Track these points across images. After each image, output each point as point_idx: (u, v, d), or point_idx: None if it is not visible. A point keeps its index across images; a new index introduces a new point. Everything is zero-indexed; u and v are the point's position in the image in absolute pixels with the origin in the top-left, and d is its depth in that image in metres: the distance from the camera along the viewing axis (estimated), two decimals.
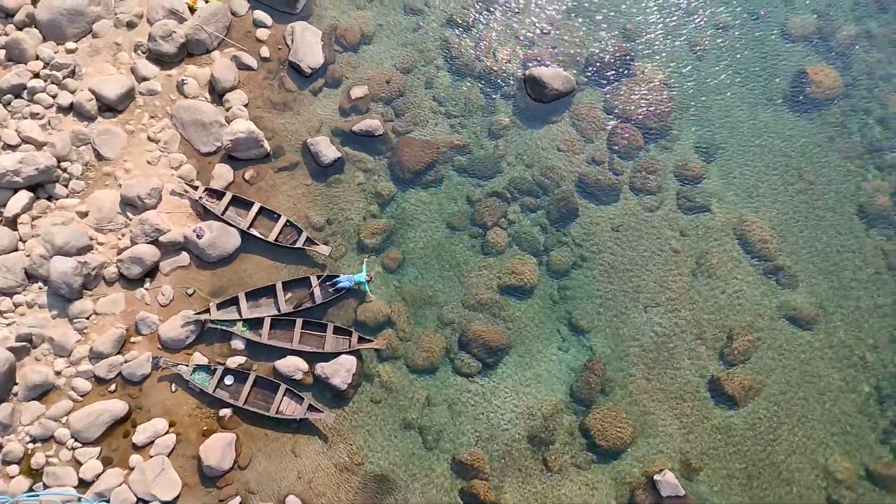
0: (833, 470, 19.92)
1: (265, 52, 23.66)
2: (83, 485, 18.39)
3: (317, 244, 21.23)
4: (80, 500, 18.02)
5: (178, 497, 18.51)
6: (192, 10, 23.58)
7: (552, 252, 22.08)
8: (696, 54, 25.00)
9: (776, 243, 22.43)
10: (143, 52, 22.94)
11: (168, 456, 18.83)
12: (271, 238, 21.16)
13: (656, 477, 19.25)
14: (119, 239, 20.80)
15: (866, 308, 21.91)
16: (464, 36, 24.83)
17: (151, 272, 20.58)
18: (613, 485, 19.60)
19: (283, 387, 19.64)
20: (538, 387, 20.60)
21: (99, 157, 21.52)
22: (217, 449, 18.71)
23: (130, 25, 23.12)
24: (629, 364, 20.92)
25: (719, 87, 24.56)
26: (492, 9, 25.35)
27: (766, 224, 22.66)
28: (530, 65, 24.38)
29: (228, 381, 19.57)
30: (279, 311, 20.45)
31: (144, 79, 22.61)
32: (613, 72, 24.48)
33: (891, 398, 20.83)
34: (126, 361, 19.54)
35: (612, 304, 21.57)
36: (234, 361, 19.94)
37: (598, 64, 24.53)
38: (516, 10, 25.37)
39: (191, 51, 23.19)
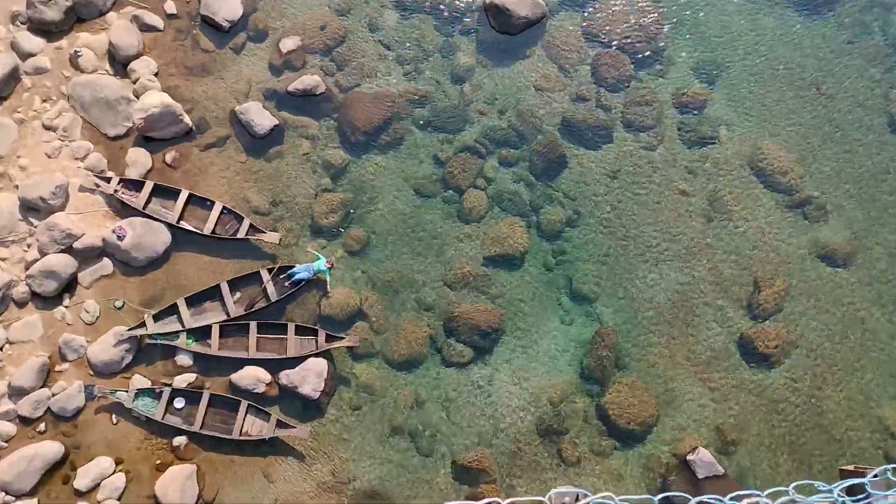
0: (889, 423, 18.62)
1: (171, 7, 21.15)
2: None
3: (263, 231, 19.15)
4: None
5: None
6: None
7: (541, 211, 20.16)
8: None
9: (799, 171, 20.69)
10: (23, 23, 20.22)
11: (119, 499, 17.01)
12: (207, 230, 19.08)
13: (689, 457, 17.70)
14: (25, 251, 18.42)
15: None
16: None
17: (70, 286, 18.40)
18: (641, 471, 18.08)
19: (244, 403, 17.78)
20: (542, 369, 18.90)
21: None
22: (176, 484, 16.95)
23: None
24: (644, 331, 19.26)
25: None
26: None
27: (785, 150, 20.90)
28: None
29: (179, 403, 17.72)
30: (228, 315, 18.51)
31: (29, 55, 19.95)
32: None
33: None
34: (54, 395, 17.45)
35: (617, 264, 19.82)
36: (183, 380, 18.03)
37: None
38: None
39: (80, 15, 20.52)
